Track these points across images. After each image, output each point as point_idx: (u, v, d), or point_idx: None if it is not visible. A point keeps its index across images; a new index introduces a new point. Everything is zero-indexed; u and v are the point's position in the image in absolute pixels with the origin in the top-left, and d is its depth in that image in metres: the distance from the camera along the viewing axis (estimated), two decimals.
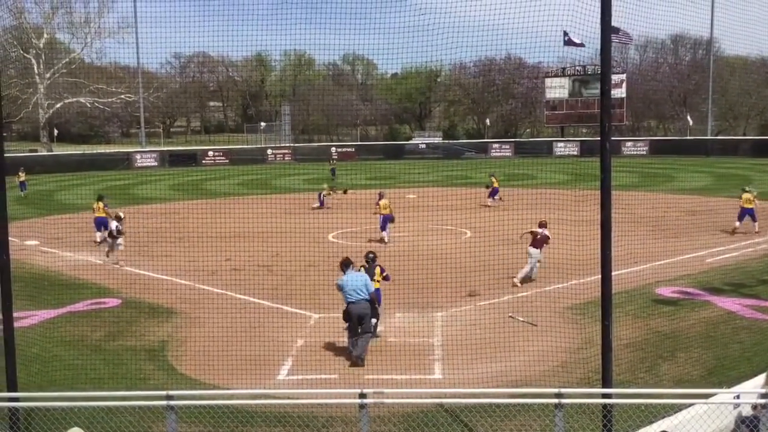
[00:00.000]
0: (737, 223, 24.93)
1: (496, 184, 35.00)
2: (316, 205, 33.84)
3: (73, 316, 16.05)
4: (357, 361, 12.70)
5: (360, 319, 12.92)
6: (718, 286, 17.72)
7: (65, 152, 67.65)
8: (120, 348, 13.86)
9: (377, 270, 14.63)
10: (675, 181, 43.64)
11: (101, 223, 24.36)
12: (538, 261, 18.28)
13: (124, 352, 13.61)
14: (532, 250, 18.12)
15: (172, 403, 8.22)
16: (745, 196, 25.10)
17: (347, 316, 13.01)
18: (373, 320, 14.29)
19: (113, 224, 21.70)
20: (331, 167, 49.82)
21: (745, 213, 25.02)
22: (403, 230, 25.51)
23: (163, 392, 8.35)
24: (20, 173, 40.71)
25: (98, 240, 24.57)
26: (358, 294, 12.92)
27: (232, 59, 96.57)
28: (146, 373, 12.49)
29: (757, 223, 25.06)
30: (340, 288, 13.09)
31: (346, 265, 13.31)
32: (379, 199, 25.64)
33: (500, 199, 34.19)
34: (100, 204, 24.88)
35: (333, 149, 68.52)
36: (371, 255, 14.93)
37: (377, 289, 14.47)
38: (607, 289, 8.98)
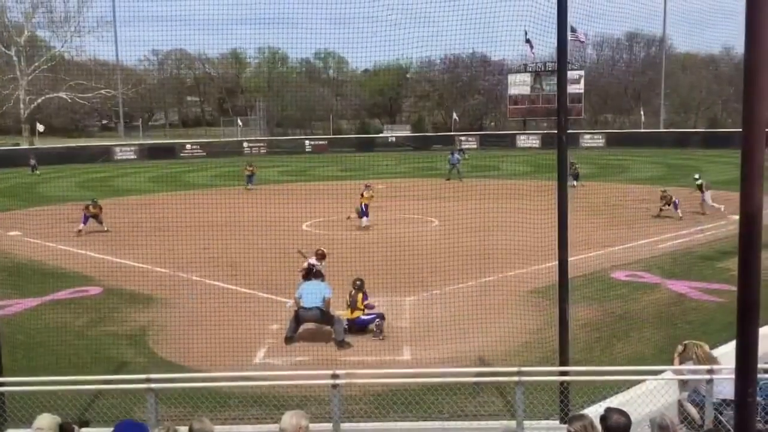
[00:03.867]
0: (678, 211, 26.34)
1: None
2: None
3: (56, 304, 16.25)
4: (343, 345, 13.22)
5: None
6: (669, 269, 18.65)
7: (47, 146, 66.70)
8: (102, 334, 14.10)
9: (359, 297, 14.01)
10: (630, 172, 44.76)
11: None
12: None
13: (105, 338, 13.86)
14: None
15: (152, 386, 8.49)
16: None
17: (297, 318, 13.59)
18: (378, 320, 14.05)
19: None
20: (247, 174, 39.04)
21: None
22: (372, 219, 26.09)
23: (143, 376, 8.67)
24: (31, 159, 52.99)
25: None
26: (313, 300, 13.52)
27: (209, 55, 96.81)
28: (127, 357, 12.76)
29: (679, 210, 26.47)
30: (298, 296, 13.71)
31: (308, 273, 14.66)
32: (365, 189, 26.45)
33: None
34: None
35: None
36: (359, 282, 14.32)
37: (360, 318, 13.98)
38: (564, 273, 9.31)
